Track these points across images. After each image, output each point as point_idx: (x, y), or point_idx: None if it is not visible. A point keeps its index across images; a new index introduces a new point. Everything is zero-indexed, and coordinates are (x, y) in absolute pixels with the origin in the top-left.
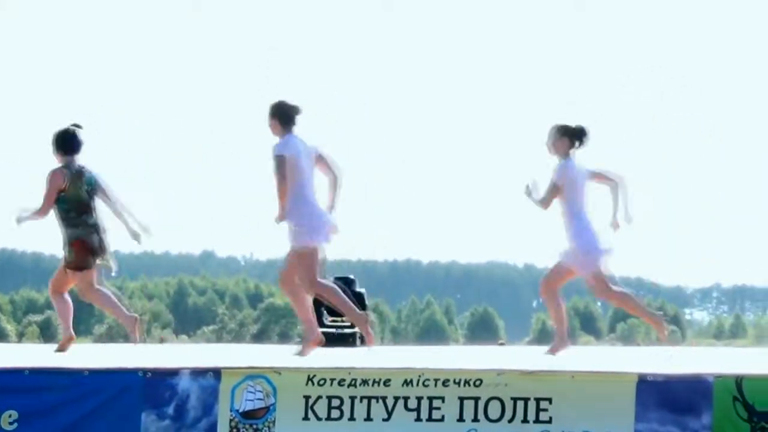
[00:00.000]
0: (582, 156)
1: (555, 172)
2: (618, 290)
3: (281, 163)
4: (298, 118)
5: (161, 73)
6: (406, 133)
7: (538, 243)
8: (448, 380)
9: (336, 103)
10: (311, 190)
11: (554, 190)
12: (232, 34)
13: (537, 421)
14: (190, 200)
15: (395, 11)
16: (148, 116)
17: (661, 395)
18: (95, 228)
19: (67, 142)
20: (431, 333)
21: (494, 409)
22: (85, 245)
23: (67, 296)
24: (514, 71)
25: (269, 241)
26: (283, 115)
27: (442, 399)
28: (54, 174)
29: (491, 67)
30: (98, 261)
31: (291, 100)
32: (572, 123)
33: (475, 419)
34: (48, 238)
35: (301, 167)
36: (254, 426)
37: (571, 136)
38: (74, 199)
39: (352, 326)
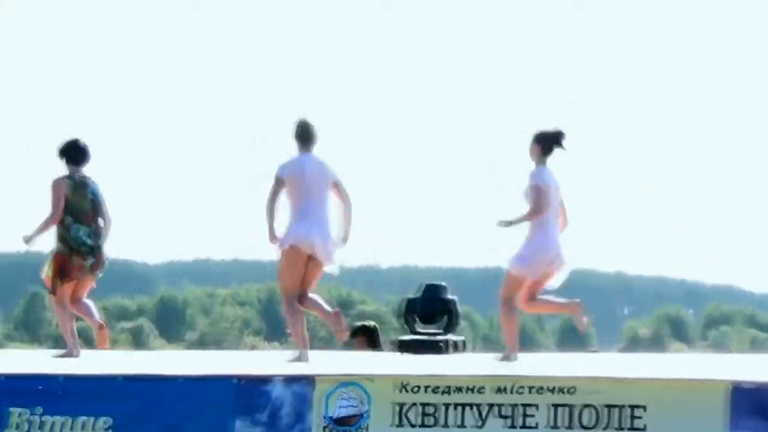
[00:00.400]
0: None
1: (530, 178)
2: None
3: (275, 183)
4: (316, 138)
5: (161, 73)
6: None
7: (628, 250)
8: (541, 387)
9: (336, 103)
10: (310, 210)
11: (538, 191)
12: (232, 34)
13: (631, 428)
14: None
15: (395, 11)
16: (148, 116)
17: (755, 403)
18: (93, 237)
19: (74, 153)
20: (522, 340)
21: (588, 417)
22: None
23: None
24: (515, 71)
25: (360, 248)
26: (298, 135)
27: (536, 406)
28: (56, 182)
29: (494, 67)
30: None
31: (311, 119)
32: (548, 128)
33: (569, 426)
34: (139, 245)
35: (300, 189)
36: None
37: (543, 142)
38: (76, 208)
39: (444, 333)
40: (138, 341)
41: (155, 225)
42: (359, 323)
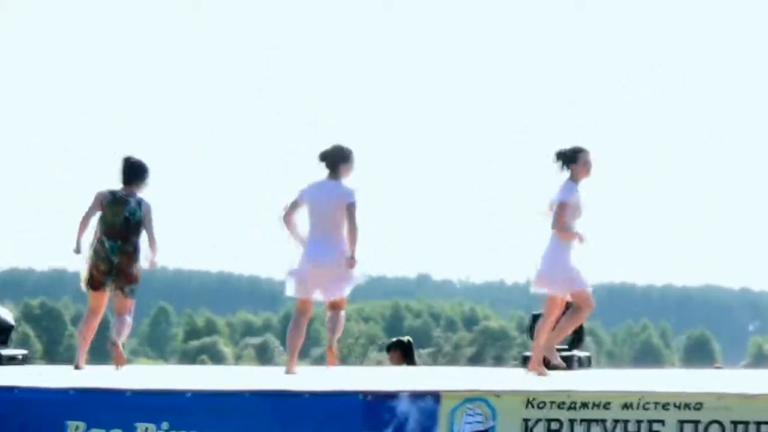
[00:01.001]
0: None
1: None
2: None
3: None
4: (341, 164)
5: (161, 73)
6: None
7: (754, 266)
8: (668, 404)
9: (339, 103)
10: (318, 233)
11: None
12: (232, 34)
13: None
14: (406, 225)
15: (395, 11)
16: (148, 116)
17: None
18: (119, 254)
19: (123, 170)
20: (647, 356)
21: None
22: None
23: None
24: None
25: (485, 264)
26: (323, 160)
27: (662, 422)
28: (97, 193)
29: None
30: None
31: (341, 146)
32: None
33: None
34: (265, 261)
35: (313, 212)
36: None
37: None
38: (107, 223)
39: (569, 349)
40: (263, 357)
41: (281, 240)
42: (395, 338)
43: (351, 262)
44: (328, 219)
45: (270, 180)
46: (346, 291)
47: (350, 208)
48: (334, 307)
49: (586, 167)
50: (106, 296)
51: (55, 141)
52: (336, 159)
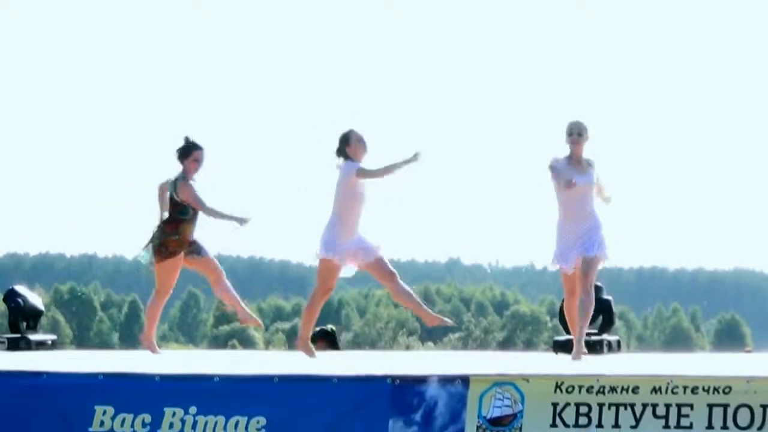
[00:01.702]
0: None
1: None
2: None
3: None
4: (346, 148)
5: (160, 73)
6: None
7: None
8: (696, 387)
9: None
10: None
11: None
12: (232, 34)
13: None
14: (436, 209)
15: (395, 11)
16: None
17: None
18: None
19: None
20: (677, 340)
21: (743, 417)
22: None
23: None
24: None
25: (515, 249)
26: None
27: (691, 406)
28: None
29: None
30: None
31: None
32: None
33: (724, 426)
34: (295, 246)
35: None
36: None
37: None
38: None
39: (599, 333)
40: (293, 342)
41: (311, 225)
42: (318, 328)
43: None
44: (335, 203)
45: (299, 166)
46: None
47: (358, 173)
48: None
49: (570, 139)
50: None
51: (85, 130)
52: (341, 147)
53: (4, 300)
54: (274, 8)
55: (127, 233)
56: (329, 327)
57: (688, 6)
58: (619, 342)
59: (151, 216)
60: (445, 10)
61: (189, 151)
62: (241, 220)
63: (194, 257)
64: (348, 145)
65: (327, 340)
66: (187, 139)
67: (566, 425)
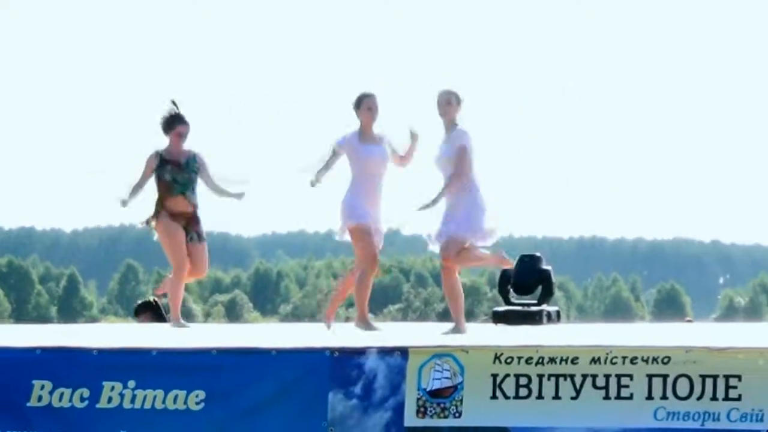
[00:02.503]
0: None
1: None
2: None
3: None
4: (356, 111)
5: (162, 73)
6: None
7: (724, 219)
8: (636, 358)
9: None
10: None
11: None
12: (233, 34)
13: (726, 398)
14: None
15: (395, 10)
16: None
17: None
18: None
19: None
20: (617, 310)
21: (683, 387)
22: None
23: None
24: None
25: None
26: None
27: (630, 377)
28: None
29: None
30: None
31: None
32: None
33: (664, 397)
34: (234, 218)
35: None
36: (441, 405)
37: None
38: None
39: (539, 304)
40: (232, 314)
41: (250, 197)
42: (141, 300)
43: None
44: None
45: (239, 138)
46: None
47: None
48: None
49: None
50: None
51: (25, 104)
52: (354, 110)
53: None
54: (274, 9)
55: (65, 206)
56: (151, 298)
57: (682, 6)
58: (558, 312)
59: (86, 188)
60: (444, 10)
61: (173, 125)
62: (239, 195)
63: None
64: (357, 109)
65: (151, 311)
66: (171, 112)
67: (506, 397)
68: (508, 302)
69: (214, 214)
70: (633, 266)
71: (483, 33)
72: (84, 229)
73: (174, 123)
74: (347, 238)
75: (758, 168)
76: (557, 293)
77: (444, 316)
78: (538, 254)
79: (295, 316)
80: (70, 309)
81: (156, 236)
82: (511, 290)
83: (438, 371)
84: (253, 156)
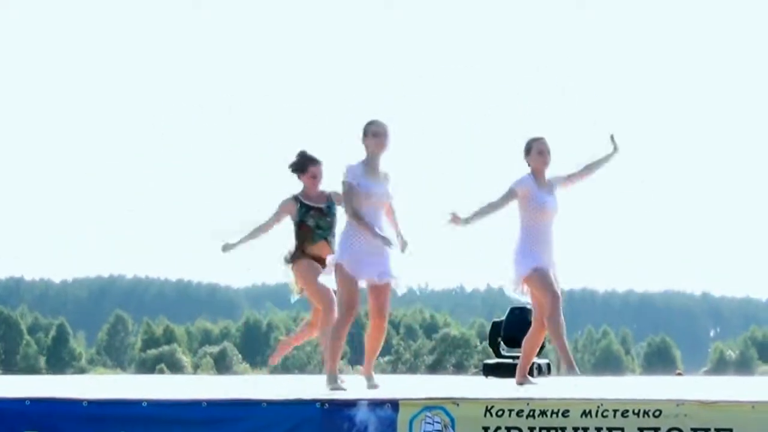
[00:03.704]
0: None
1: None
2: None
3: None
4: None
5: (161, 74)
6: None
7: (714, 272)
8: (627, 411)
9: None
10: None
11: None
12: (232, 35)
13: None
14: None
15: (395, 10)
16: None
17: None
18: None
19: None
20: (608, 363)
21: None
22: None
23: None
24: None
25: (444, 271)
26: None
27: (621, 430)
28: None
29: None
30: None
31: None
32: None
33: None
34: (224, 269)
35: None
36: None
37: None
38: None
39: None
40: (221, 365)
41: (240, 248)
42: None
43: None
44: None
45: (229, 189)
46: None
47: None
48: None
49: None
50: None
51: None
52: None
53: None
54: (275, 9)
55: (54, 256)
56: None
57: (685, 7)
58: (549, 365)
59: (75, 238)
60: (444, 10)
61: (305, 167)
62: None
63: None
64: (364, 137)
65: None
66: (303, 154)
67: None
68: (498, 355)
69: (203, 265)
70: (623, 319)
71: (483, 33)
72: (73, 279)
73: (307, 164)
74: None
75: (749, 222)
76: (548, 346)
77: (433, 368)
78: (528, 306)
79: (285, 368)
80: (59, 359)
81: (296, 291)
82: (502, 343)
83: (429, 423)
84: (246, 207)
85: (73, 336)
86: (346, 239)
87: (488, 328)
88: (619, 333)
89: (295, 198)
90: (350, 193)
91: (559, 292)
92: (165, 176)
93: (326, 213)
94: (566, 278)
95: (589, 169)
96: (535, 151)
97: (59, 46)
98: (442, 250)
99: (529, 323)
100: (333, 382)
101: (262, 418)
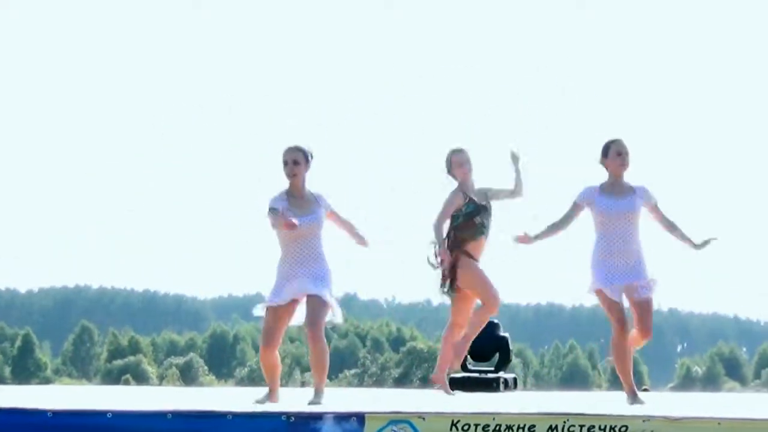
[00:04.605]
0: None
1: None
2: None
3: None
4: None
5: (161, 74)
6: None
7: (681, 288)
8: (593, 426)
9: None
10: None
11: None
12: (232, 35)
13: None
14: (333, 244)
15: (395, 10)
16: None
17: None
18: None
19: None
20: (574, 378)
21: None
22: None
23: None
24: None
25: (411, 285)
26: None
27: None
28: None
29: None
30: None
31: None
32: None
33: None
34: (190, 280)
35: None
36: None
37: None
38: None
39: (495, 371)
40: (187, 377)
41: (206, 259)
42: None
43: None
44: None
45: (197, 200)
46: None
47: None
48: None
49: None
50: None
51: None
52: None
53: None
54: (274, 9)
55: (20, 266)
56: None
57: (685, 7)
58: (515, 379)
59: (41, 248)
60: (444, 10)
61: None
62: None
63: None
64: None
65: None
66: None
67: None
68: (465, 369)
69: (169, 275)
70: (591, 334)
71: (482, 33)
72: (39, 289)
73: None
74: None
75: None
76: (514, 360)
77: (400, 381)
78: (495, 321)
79: (251, 379)
80: (24, 370)
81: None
82: (469, 357)
83: None
84: (213, 219)
85: (38, 346)
86: None
87: None
88: (586, 348)
89: (461, 192)
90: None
91: (623, 317)
92: (134, 185)
93: (489, 210)
94: (534, 293)
95: (673, 229)
96: (613, 152)
97: (59, 46)
98: (409, 263)
99: (496, 338)
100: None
101: (228, 431)
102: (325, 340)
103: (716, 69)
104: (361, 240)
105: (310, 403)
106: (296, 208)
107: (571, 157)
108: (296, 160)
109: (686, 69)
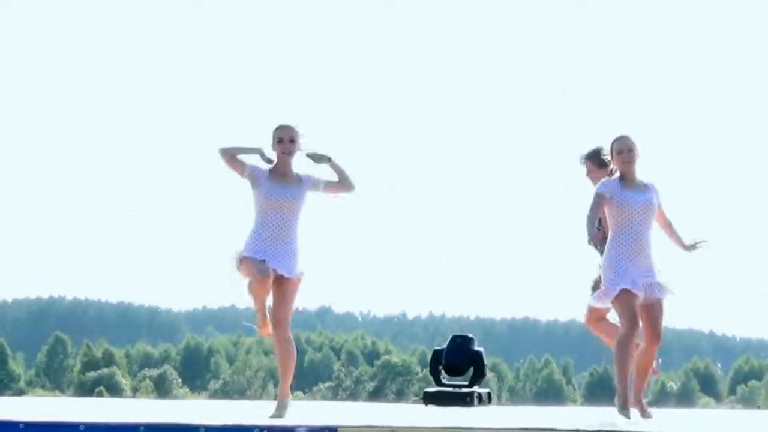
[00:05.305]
0: None
1: None
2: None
3: None
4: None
5: (161, 74)
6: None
7: None
8: None
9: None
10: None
11: None
12: (232, 35)
13: None
14: (309, 256)
15: (395, 10)
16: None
17: None
18: None
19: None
20: (549, 393)
21: None
22: None
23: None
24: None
25: (386, 298)
26: None
27: None
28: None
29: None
30: None
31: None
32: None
33: None
34: (165, 292)
35: None
36: None
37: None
38: None
39: (470, 385)
40: (161, 389)
41: (181, 271)
42: None
43: None
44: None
45: (173, 212)
46: None
47: None
48: None
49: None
50: None
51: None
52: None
53: None
54: (274, 9)
55: None
56: None
57: (685, 7)
58: (489, 394)
59: (15, 259)
60: (444, 10)
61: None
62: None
63: None
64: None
65: None
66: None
67: None
68: (439, 383)
69: (144, 287)
70: (565, 348)
71: (482, 33)
72: (13, 300)
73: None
74: None
75: (691, 254)
76: (489, 374)
77: (374, 395)
78: (470, 335)
79: (225, 392)
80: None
81: None
82: (443, 371)
83: None
84: (187, 230)
85: (12, 357)
86: None
87: (429, 355)
88: (561, 362)
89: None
90: None
91: (638, 319)
92: (110, 197)
93: None
94: (508, 307)
95: (671, 229)
96: (615, 151)
97: (59, 46)
98: (385, 277)
99: (471, 352)
100: None
101: None
102: (293, 342)
103: (716, 69)
104: (349, 186)
105: (271, 417)
106: (277, 182)
107: (571, 157)
108: (292, 139)
109: (686, 69)
